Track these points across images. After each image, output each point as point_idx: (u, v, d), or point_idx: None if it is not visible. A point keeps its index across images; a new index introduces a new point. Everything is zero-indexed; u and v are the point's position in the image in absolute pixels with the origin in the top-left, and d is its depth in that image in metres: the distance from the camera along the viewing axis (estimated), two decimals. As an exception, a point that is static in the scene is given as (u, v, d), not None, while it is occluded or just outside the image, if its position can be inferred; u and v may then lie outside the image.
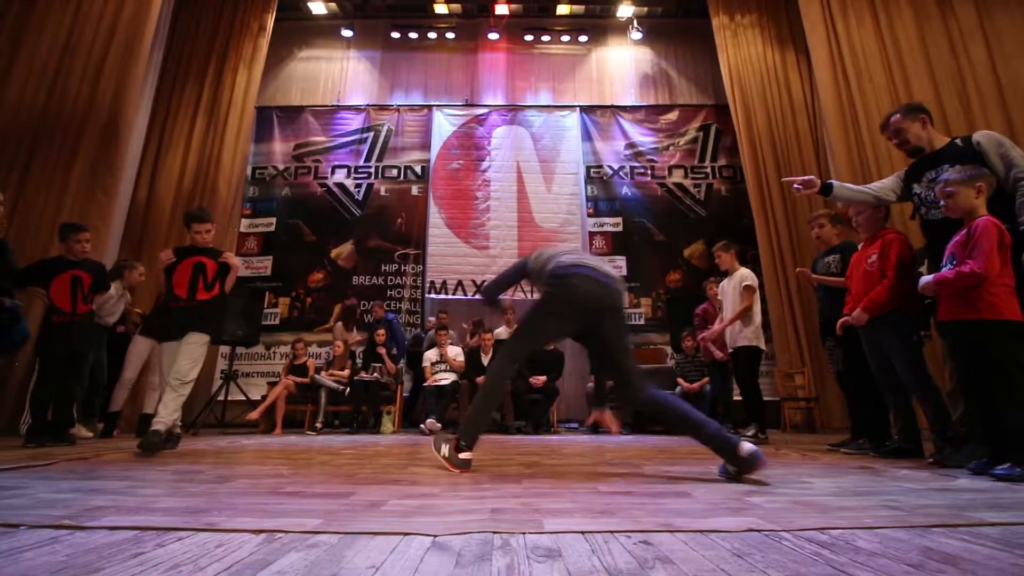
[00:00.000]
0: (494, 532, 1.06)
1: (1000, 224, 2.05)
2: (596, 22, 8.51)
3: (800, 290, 6.20)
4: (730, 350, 4.19)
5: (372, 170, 7.86)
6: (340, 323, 6.51)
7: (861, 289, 2.80)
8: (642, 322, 7.24)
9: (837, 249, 3.42)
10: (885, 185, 2.71)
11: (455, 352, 5.72)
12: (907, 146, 2.58)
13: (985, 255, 1.98)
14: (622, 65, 8.43)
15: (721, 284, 4.41)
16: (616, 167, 7.87)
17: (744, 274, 4.19)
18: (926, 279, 2.19)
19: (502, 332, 6.48)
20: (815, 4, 5.64)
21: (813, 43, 5.69)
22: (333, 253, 7.51)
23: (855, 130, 5.19)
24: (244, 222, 7.60)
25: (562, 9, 8.38)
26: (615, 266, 7.42)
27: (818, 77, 5.70)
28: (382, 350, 5.67)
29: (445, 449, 2.13)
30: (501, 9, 7.96)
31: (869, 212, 2.89)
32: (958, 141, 2.44)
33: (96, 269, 3.91)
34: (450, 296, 7.24)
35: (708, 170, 7.83)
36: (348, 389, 5.49)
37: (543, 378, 5.46)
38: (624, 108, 8.14)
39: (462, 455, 2.11)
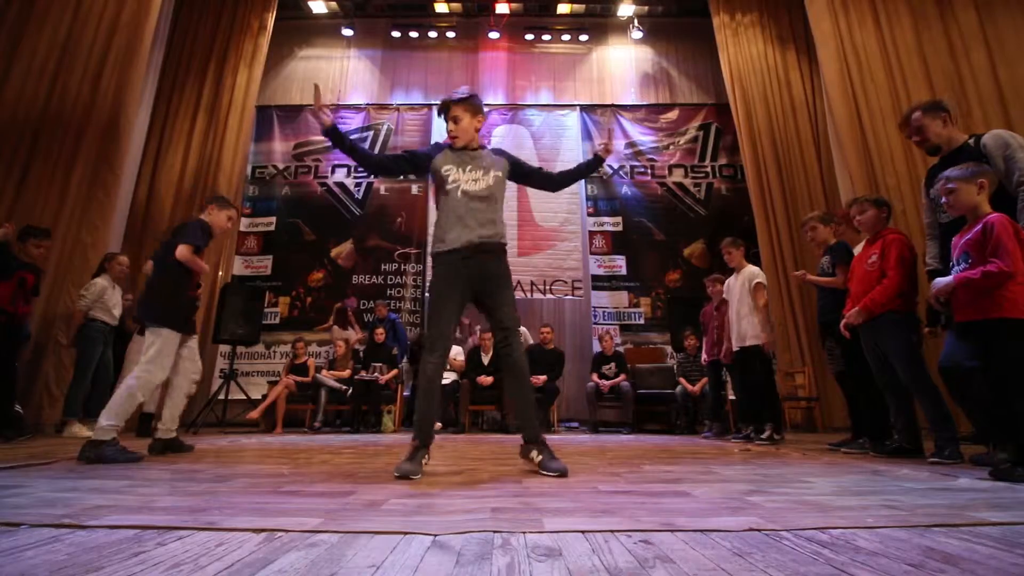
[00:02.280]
0: (494, 531, 1.06)
1: (1013, 220, 2.05)
2: (597, 21, 8.51)
3: (800, 290, 6.20)
4: (736, 348, 4.10)
5: (372, 169, 7.85)
6: (336, 326, 6.53)
7: (861, 290, 2.80)
8: (642, 322, 7.24)
9: (829, 249, 3.43)
10: (933, 251, 2.58)
11: (455, 351, 5.72)
12: (927, 144, 2.55)
13: (1010, 253, 1.96)
14: (622, 64, 8.42)
15: (727, 281, 4.36)
16: (616, 166, 7.86)
17: (754, 271, 4.11)
18: (944, 281, 2.14)
19: None
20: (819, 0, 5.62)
21: (819, 38, 5.65)
22: (333, 252, 7.51)
23: (860, 127, 5.17)
24: (244, 221, 7.60)
25: (563, 8, 8.38)
26: (615, 265, 7.45)
27: (825, 73, 5.66)
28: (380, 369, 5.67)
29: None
30: (501, 8, 7.95)
31: (871, 212, 2.89)
32: (971, 141, 2.41)
33: (39, 273, 4.04)
34: (450, 295, 7.23)
35: (708, 169, 7.83)
36: (351, 390, 5.49)
37: (543, 378, 5.46)
38: (624, 107, 8.13)
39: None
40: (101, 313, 4.40)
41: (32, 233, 3.97)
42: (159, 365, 2.68)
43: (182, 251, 2.73)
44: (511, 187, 7.81)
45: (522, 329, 6.45)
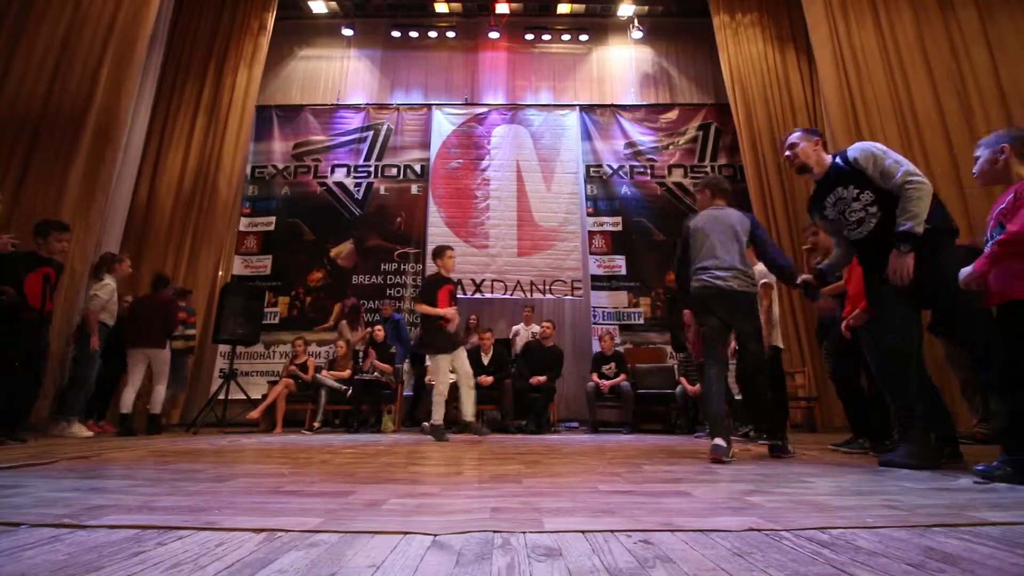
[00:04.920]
0: (494, 531, 1.06)
1: None
2: (596, 21, 8.51)
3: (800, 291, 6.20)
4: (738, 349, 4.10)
5: (372, 169, 7.86)
6: (345, 322, 6.51)
7: (859, 290, 2.80)
8: (642, 322, 7.24)
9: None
10: (837, 258, 2.69)
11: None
12: (795, 161, 2.63)
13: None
14: (622, 64, 8.42)
15: None
16: (616, 166, 7.86)
17: (760, 270, 4.07)
18: (968, 270, 1.95)
19: (520, 329, 6.50)
20: (818, 3, 5.63)
21: (816, 41, 5.69)
22: (333, 252, 7.51)
23: (858, 129, 5.19)
24: (244, 221, 7.60)
25: (563, 8, 8.38)
26: (615, 265, 7.45)
27: (821, 76, 5.70)
28: (372, 353, 5.69)
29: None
30: (502, 8, 7.95)
31: None
32: (838, 160, 2.44)
33: (60, 269, 3.98)
34: (450, 295, 7.24)
35: (708, 169, 7.82)
36: (350, 390, 5.49)
37: (543, 378, 5.46)
38: (624, 107, 8.13)
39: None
40: (104, 315, 4.40)
41: (54, 227, 3.89)
42: (442, 379, 4.08)
43: (420, 308, 4.18)
44: (510, 187, 7.73)
45: (531, 326, 6.45)
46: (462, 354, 4.19)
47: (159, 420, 4.79)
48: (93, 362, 4.33)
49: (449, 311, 4.10)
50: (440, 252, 4.32)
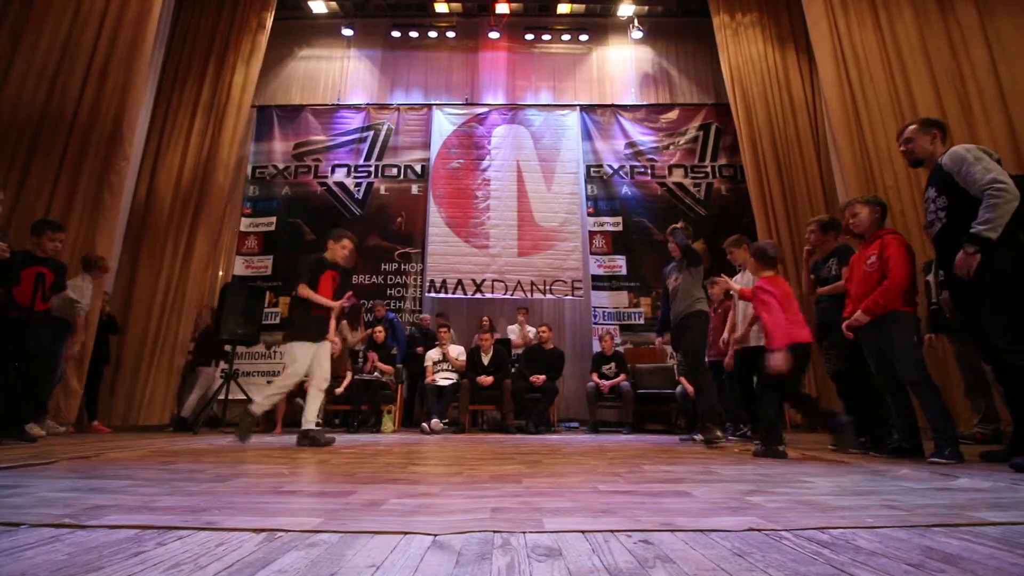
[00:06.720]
0: (494, 531, 1.06)
1: None
2: (596, 21, 8.50)
3: (801, 290, 6.19)
4: (738, 348, 4.06)
5: (372, 169, 7.86)
6: (345, 322, 6.50)
7: (861, 290, 2.79)
8: (642, 322, 7.24)
9: (834, 252, 3.41)
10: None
11: (457, 351, 5.73)
12: (910, 156, 2.65)
13: None
14: (622, 64, 8.42)
15: (734, 279, 4.32)
16: (616, 166, 7.86)
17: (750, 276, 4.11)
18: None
19: (515, 331, 6.53)
20: (817, 1, 5.62)
21: (816, 39, 5.67)
22: (334, 252, 7.51)
23: (858, 126, 5.18)
24: (244, 221, 7.60)
25: (563, 8, 8.37)
26: (615, 265, 7.46)
27: (821, 73, 5.68)
28: (373, 356, 5.68)
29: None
30: (501, 8, 7.94)
31: (864, 213, 2.89)
32: (939, 160, 2.47)
33: (59, 269, 3.93)
34: (450, 295, 7.24)
35: (708, 169, 7.83)
36: (345, 389, 5.49)
37: (543, 377, 5.46)
38: (624, 107, 8.13)
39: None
40: (69, 311, 4.35)
41: (48, 226, 3.85)
42: (297, 370, 3.56)
43: (303, 292, 3.66)
44: (510, 187, 7.73)
45: (525, 328, 6.46)
46: (326, 349, 3.72)
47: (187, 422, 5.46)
48: (60, 360, 4.25)
49: (335, 304, 3.75)
50: (337, 237, 3.86)
